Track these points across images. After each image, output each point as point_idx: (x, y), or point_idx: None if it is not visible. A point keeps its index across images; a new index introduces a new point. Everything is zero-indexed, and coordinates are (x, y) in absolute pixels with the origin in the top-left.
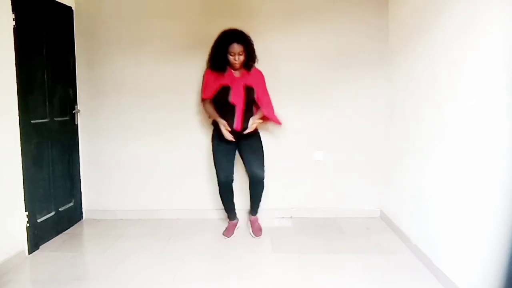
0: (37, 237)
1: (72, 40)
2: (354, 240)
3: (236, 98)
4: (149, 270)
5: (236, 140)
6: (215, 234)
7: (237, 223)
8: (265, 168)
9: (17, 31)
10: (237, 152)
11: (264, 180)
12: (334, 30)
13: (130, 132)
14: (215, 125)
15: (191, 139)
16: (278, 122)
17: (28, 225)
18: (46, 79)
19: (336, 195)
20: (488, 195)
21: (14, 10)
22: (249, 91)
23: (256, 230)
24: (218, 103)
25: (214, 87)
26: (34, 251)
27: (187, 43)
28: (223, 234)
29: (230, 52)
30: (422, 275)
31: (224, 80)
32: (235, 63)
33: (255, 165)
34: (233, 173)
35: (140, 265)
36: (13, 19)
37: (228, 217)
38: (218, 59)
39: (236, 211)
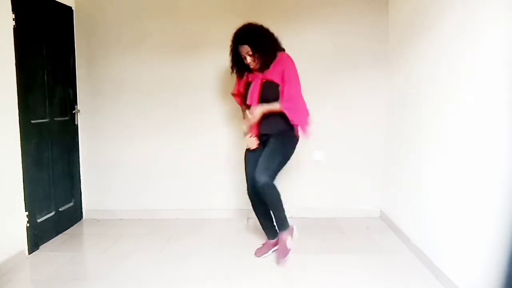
0: (37, 237)
1: (72, 40)
2: (354, 240)
3: (250, 97)
4: (149, 270)
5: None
6: (215, 234)
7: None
8: (273, 174)
9: (17, 31)
10: None
11: (266, 188)
12: (334, 31)
13: (130, 132)
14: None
15: (191, 139)
16: (303, 130)
17: (28, 225)
18: (46, 79)
19: (336, 195)
20: (488, 195)
21: (14, 10)
22: (266, 87)
23: (279, 252)
24: (245, 103)
25: (241, 86)
26: (34, 251)
27: (187, 42)
28: (255, 254)
29: (241, 54)
30: (422, 275)
31: (251, 77)
32: (249, 64)
33: (260, 167)
34: None
35: (140, 265)
36: (13, 19)
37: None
38: (235, 63)
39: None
